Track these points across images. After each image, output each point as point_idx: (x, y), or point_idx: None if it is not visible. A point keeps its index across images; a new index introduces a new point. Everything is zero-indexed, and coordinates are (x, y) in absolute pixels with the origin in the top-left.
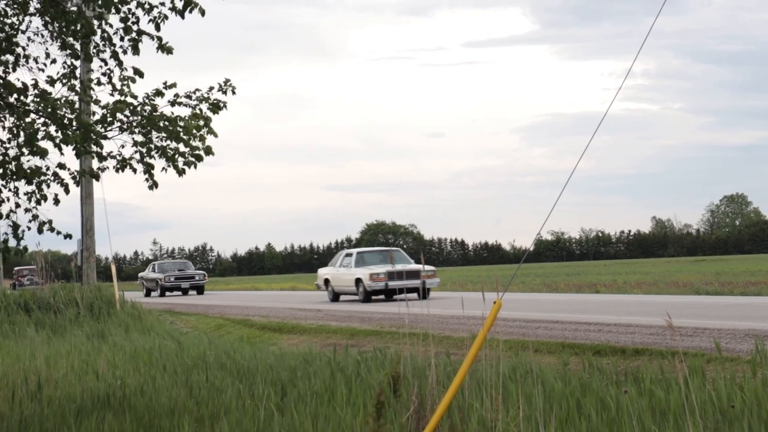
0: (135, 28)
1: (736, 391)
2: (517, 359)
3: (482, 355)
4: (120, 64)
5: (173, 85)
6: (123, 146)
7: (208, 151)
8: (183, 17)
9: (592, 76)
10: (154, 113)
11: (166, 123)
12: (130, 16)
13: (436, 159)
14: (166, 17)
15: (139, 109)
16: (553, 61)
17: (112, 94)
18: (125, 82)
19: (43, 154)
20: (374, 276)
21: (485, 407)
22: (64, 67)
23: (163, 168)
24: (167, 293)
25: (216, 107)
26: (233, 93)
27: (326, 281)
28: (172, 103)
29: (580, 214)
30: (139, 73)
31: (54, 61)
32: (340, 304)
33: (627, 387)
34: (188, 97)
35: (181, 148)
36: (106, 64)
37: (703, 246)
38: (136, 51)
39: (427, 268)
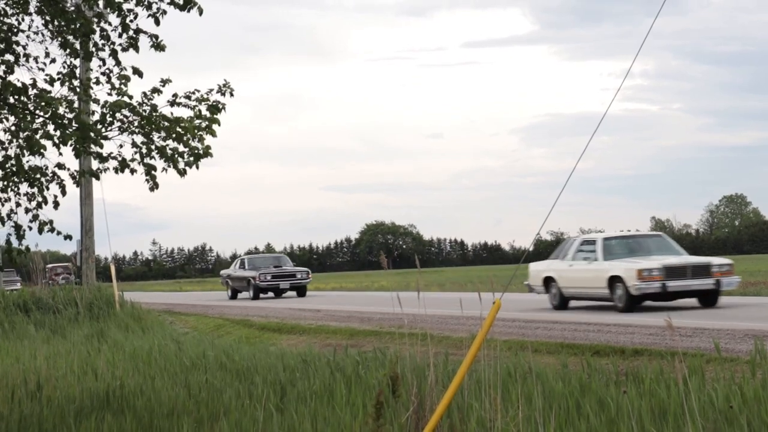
0: (133, 26)
1: (735, 391)
2: (517, 359)
3: (481, 355)
4: (118, 63)
5: (169, 81)
6: (122, 146)
7: (207, 152)
8: (182, 9)
9: (591, 77)
10: (154, 113)
11: (166, 123)
12: (128, 14)
13: (435, 160)
14: (165, 12)
15: (138, 108)
16: (553, 62)
17: (110, 93)
18: (123, 81)
19: (40, 148)
20: (644, 273)
21: (484, 407)
22: (64, 67)
23: (164, 168)
24: (261, 295)
25: (215, 109)
26: (231, 95)
27: (548, 281)
28: (172, 103)
29: (579, 214)
30: (138, 72)
31: (53, 61)
32: (339, 304)
33: (626, 387)
34: (187, 97)
35: (181, 148)
36: (104, 63)
37: (702, 246)
38: (134, 48)
39: (720, 261)
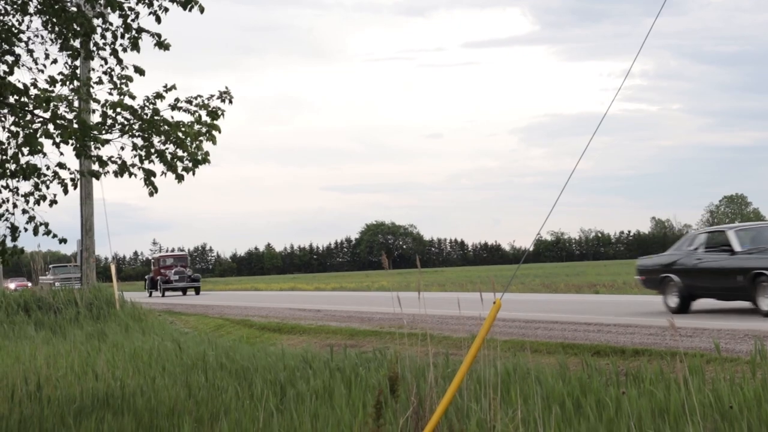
0: (135, 25)
1: (735, 391)
2: (516, 360)
3: (481, 355)
4: (120, 62)
5: (173, 88)
6: (123, 148)
7: (205, 158)
8: (185, 8)
9: (590, 77)
10: (156, 117)
11: (167, 127)
12: (130, 13)
13: (434, 160)
14: (167, 9)
15: (140, 112)
16: (552, 62)
17: (111, 93)
18: (124, 81)
19: (38, 146)
20: None
21: (483, 408)
22: (66, 67)
23: (163, 172)
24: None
25: (214, 114)
26: (230, 102)
27: None
28: (173, 107)
29: (579, 214)
30: (139, 71)
31: (55, 62)
32: (339, 304)
33: (627, 387)
34: (189, 102)
35: (179, 153)
36: (106, 62)
37: None
38: (136, 48)
39: None
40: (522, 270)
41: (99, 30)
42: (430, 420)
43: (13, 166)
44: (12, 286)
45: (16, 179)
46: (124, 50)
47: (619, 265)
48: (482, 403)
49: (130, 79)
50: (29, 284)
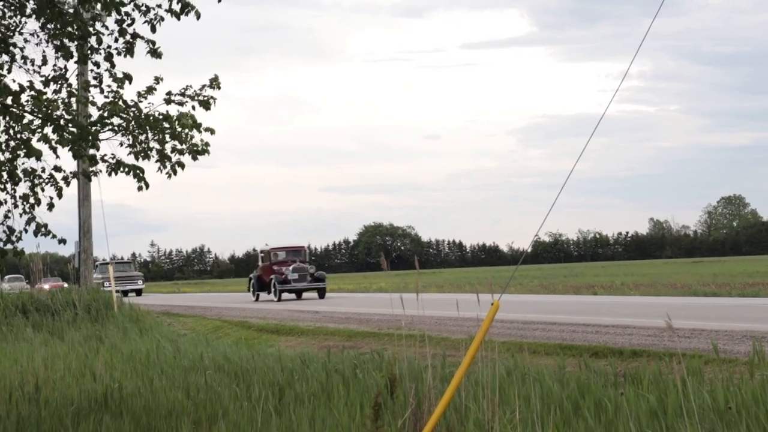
0: (130, 30)
1: (733, 392)
2: (514, 361)
3: (479, 356)
4: (113, 66)
5: (161, 79)
6: (122, 144)
7: (205, 149)
8: (179, 18)
9: (588, 78)
10: (141, 116)
11: (160, 123)
12: (125, 18)
13: (433, 160)
14: (162, 19)
15: (128, 111)
16: (550, 63)
17: (106, 96)
18: (119, 84)
19: (37, 155)
20: None
21: (482, 409)
22: (55, 70)
23: (159, 168)
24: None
25: (206, 104)
26: (218, 88)
27: None
28: (168, 101)
29: (577, 215)
30: (128, 77)
31: (45, 63)
32: (337, 306)
33: (625, 388)
34: (182, 94)
35: (177, 146)
36: (98, 66)
37: (700, 247)
38: (130, 53)
39: None
40: (520, 271)
41: (93, 34)
42: (428, 421)
43: (8, 169)
44: (46, 287)
45: (14, 184)
46: (119, 54)
47: (617, 267)
48: (481, 404)
49: (122, 81)
50: (65, 285)
